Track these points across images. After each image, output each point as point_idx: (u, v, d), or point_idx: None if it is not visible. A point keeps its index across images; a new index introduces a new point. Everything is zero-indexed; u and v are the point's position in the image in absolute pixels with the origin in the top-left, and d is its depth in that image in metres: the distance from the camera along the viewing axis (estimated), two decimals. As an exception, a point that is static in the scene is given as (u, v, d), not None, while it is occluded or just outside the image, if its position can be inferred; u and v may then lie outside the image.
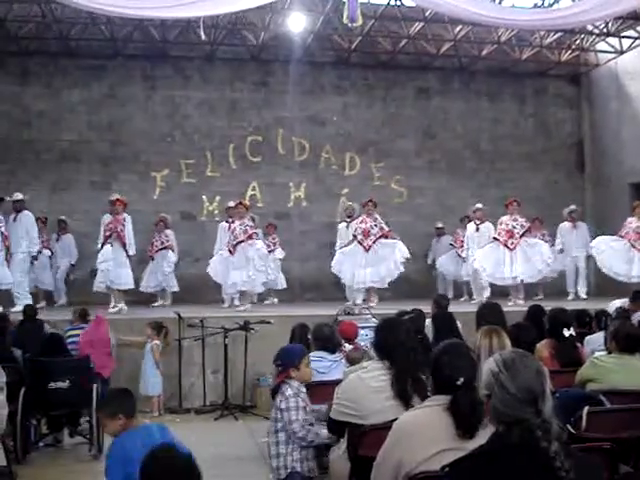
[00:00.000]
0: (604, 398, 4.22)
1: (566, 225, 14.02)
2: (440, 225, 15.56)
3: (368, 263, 12.07)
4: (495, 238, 12.52)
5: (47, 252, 13.22)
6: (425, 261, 15.71)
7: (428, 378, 3.38)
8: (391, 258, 12.08)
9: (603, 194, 16.69)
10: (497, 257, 12.37)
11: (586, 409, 3.88)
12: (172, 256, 13.49)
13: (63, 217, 13.98)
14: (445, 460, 2.47)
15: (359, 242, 12.12)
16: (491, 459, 2.24)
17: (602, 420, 3.90)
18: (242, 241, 11.62)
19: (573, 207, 14.25)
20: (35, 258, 11.96)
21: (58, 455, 7.31)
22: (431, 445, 2.89)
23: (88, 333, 8.43)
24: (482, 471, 2.22)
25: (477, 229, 13.10)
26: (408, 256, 12.05)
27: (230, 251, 11.69)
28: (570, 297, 13.58)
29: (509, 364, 2.31)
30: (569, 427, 3.82)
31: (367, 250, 12.05)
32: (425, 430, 2.97)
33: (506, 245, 12.37)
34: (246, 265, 11.54)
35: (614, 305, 7.88)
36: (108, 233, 11.48)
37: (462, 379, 3.00)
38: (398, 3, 14.06)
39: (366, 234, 12.11)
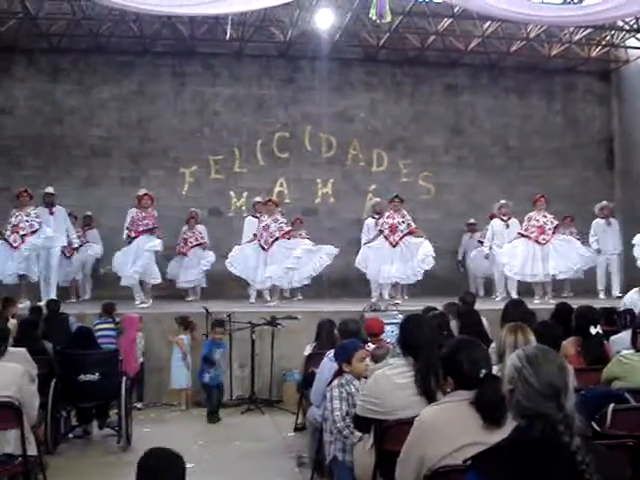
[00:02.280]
0: (629, 396, 4.21)
1: (600, 222, 13.71)
2: (472, 221, 15.49)
3: (395, 259, 12.07)
4: (522, 234, 12.45)
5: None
6: (452, 258, 15.64)
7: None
8: (417, 256, 12.08)
9: (632, 191, 16.52)
10: (527, 253, 12.28)
11: (611, 406, 3.88)
12: (211, 256, 13.52)
13: (89, 212, 14.10)
14: (468, 454, 2.49)
15: (385, 237, 12.12)
16: (513, 453, 2.26)
17: (627, 418, 3.89)
18: (278, 238, 11.70)
19: (605, 203, 14.00)
20: (76, 250, 12.36)
21: (87, 446, 7.42)
22: (454, 439, 2.92)
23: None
24: (504, 464, 2.24)
25: (507, 225, 13.03)
26: (432, 255, 12.03)
27: (263, 247, 11.73)
28: (601, 295, 13.39)
29: (532, 359, 2.33)
30: (594, 424, 3.83)
31: (394, 246, 12.06)
32: (448, 425, 3.00)
33: (537, 241, 12.30)
34: (283, 260, 11.60)
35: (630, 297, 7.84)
36: (142, 228, 11.56)
37: (484, 371, 3.04)
38: (426, -1, 14.05)
39: (393, 229, 12.10)
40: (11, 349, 4.88)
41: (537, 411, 2.26)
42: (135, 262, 11.42)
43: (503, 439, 2.36)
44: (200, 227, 14.01)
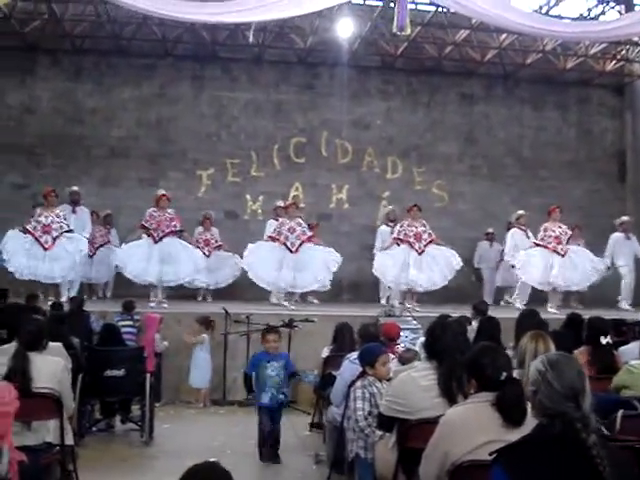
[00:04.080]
0: (638, 404, 4.43)
1: (619, 236, 13.89)
2: (490, 230, 15.57)
3: (423, 267, 12.27)
4: (537, 244, 12.64)
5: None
6: (466, 266, 15.71)
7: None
8: (445, 265, 12.30)
9: (644, 204, 16.70)
10: (546, 263, 12.48)
11: (620, 412, 4.10)
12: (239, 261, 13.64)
13: (109, 211, 14.23)
14: (489, 451, 2.73)
15: (410, 245, 12.29)
16: (535, 447, 2.52)
17: (635, 424, 4.10)
18: (303, 242, 11.99)
19: (625, 218, 14.20)
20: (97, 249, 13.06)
21: (111, 440, 7.65)
22: (477, 437, 3.15)
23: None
24: (527, 458, 2.49)
25: (527, 236, 13.20)
26: (460, 266, 12.28)
27: (290, 249, 11.95)
28: (626, 306, 13.56)
29: (554, 364, 2.61)
30: (603, 429, 4.05)
31: (420, 253, 12.26)
32: (471, 423, 3.24)
33: (555, 251, 12.51)
34: (311, 265, 11.91)
35: None
36: (171, 229, 11.76)
37: (505, 374, 3.29)
38: (445, 10, 14.23)
39: (418, 237, 12.30)
40: (50, 343, 5.13)
41: (558, 410, 2.53)
42: (163, 262, 11.61)
43: (526, 435, 2.62)
44: (215, 230, 14.19)
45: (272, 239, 12.16)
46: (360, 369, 5.27)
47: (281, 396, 7.08)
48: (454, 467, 3.15)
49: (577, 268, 12.55)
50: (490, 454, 2.62)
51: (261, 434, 7.06)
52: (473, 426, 3.21)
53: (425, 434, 3.56)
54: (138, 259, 11.63)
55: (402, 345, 7.48)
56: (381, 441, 4.56)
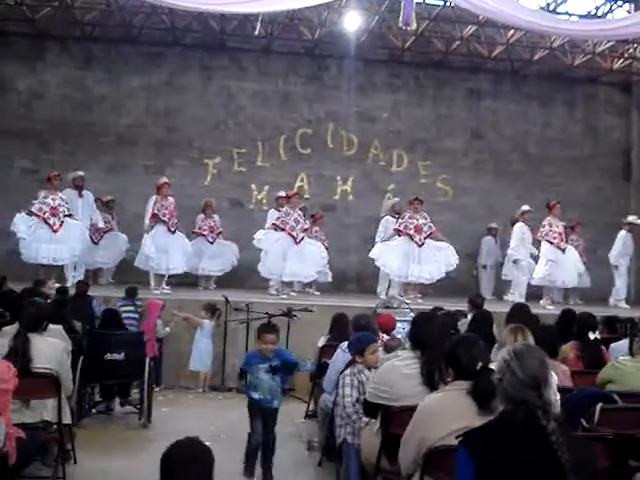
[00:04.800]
0: (618, 398, 4.55)
1: (627, 235, 14.03)
2: (494, 225, 15.61)
3: (422, 259, 12.40)
4: (546, 240, 12.81)
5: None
6: (467, 260, 15.74)
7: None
8: (442, 259, 12.43)
9: (648, 203, 16.76)
10: (554, 259, 12.68)
11: (599, 405, 4.23)
12: (236, 250, 13.99)
13: (110, 197, 14.30)
14: (464, 436, 2.87)
15: (410, 237, 12.41)
16: (499, 432, 2.67)
17: (614, 417, 4.23)
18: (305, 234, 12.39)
19: (634, 219, 14.35)
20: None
21: (109, 422, 7.84)
22: (452, 423, 3.29)
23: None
24: (490, 442, 2.64)
25: (532, 230, 13.31)
26: (456, 264, 12.44)
27: (295, 238, 12.23)
28: (624, 305, 13.74)
29: (519, 354, 2.76)
30: (583, 421, 4.18)
31: (420, 246, 12.38)
32: (447, 410, 3.39)
33: (559, 247, 12.68)
34: (311, 259, 12.32)
35: None
36: (169, 216, 12.19)
37: (480, 364, 3.43)
38: (453, 5, 14.28)
39: (418, 230, 12.42)
40: (50, 326, 5.28)
41: (521, 398, 2.68)
42: (177, 252, 12.12)
43: (490, 420, 2.76)
44: (216, 216, 14.28)
45: (276, 227, 12.30)
46: (351, 357, 5.42)
47: (275, 401, 6.11)
48: (430, 451, 3.29)
49: (573, 265, 12.74)
50: (456, 437, 2.76)
51: (250, 447, 6.06)
52: (449, 413, 3.35)
53: (407, 421, 3.70)
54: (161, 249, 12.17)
55: (400, 337, 7.59)
56: (367, 427, 4.71)
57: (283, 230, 12.25)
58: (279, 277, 12.38)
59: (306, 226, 12.46)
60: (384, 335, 6.68)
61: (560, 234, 12.84)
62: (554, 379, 4.12)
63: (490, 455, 2.57)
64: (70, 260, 11.71)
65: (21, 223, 11.29)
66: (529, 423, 2.61)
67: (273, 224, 12.46)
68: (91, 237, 12.78)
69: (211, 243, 13.84)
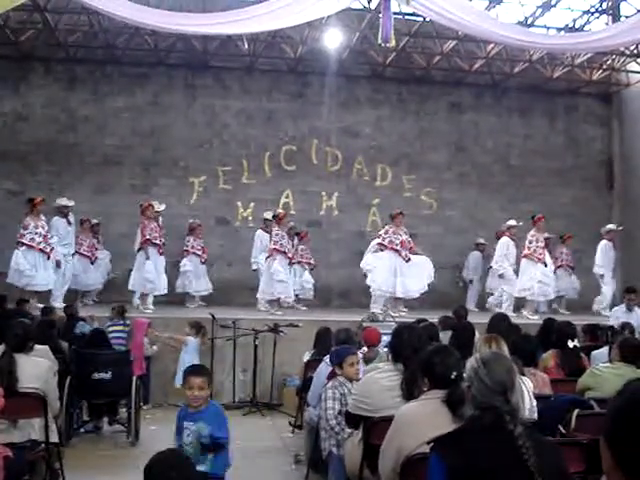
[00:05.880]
0: (595, 404, 4.65)
1: (607, 245, 14.09)
2: (482, 241, 15.63)
3: (409, 274, 12.53)
4: (531, 257, 13.01)
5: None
6: (452, 272, 15.88)
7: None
8: (424, 272, 12.58)
9: (631, 212, 16.89)
10: (540, 274, 12.91)
11: (575, 412, 4.32)
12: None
13: (96, 221, 14.36)
14: (439, 445, 2.96)
15: (397, 252, 12.53)
16: (468, 437, 2.76)
17: (590, 423, 4.32)
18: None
19: (612, 227, 14.49)
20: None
21: (98, 440, 7.88)
22: (427, 432, 3.35)
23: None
24: (460, 446, 2.73)
25: (517, 245, 13.45)
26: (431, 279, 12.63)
27: (290, 259, 12.94)
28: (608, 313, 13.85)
29: (486, 362, 2.87)
30: (560, 427, 4.28)
31: (407, 261, 12.51)
32: (423, 419, 3.47)
33: (543, 262, 12.92)
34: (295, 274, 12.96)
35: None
36: (158, 241, 12.41)
37: (455, 373, 3.52)
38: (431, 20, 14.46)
39: (403, 245, 12.54)
40: (36, 346, 5.34)
41: (488, 404, 2.78)
42: (163, 272, 12.43)
43: (460, 426, 2.86)
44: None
45: (278, 252, 12.49)
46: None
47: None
48: (407, 459, 3.38)
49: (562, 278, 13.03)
50: (427, 443, 2.86)
51: None
52: (425, 422, 3.44)
53: (387, 431, 3.78)
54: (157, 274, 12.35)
55: (384, 350, 7.67)
56: (350, 438, 4.79)
57: (284, 254, 12.61)
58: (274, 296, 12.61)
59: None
60: (365, 348, 6.77)
61: (543, 249, 13.02)
62: (529, 386, 4.26)
63: (460, 459, 2.66)
64: (58, 284, 11.89)
65: (22, 259, 11.45)
66: (497, 427, 2.72)
67: (276, 249, 12.53)
68: (89, 257, 13.06)
69: (203, 263, 13.94)
